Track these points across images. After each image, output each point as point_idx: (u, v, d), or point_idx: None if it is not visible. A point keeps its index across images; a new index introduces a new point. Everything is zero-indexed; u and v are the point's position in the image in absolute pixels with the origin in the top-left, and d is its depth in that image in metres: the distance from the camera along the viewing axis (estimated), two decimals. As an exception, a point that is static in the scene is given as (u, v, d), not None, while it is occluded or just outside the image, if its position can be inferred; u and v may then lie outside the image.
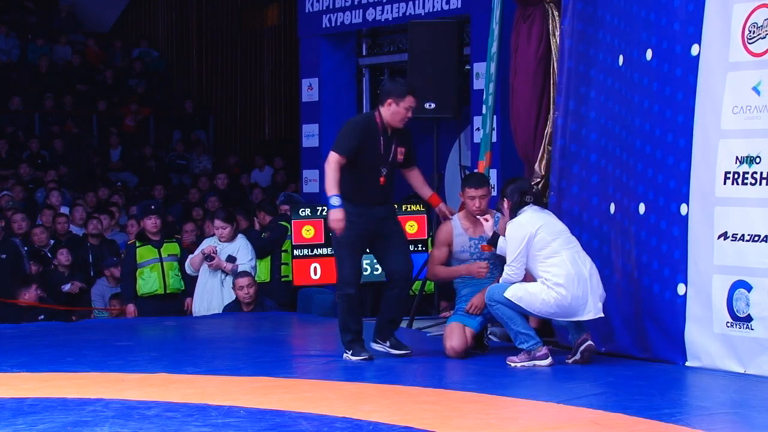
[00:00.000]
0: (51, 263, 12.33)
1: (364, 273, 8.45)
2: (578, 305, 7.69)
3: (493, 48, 9.66)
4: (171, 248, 11.21)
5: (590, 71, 8.54)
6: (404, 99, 7.92)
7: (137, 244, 11.18)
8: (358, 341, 8.02)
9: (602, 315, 7.78)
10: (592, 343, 7.79)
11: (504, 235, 7.98)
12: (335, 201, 7.78)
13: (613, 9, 8.38)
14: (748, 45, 7.32)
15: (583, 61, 8.60)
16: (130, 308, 11.11)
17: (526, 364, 7.70)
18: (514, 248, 7.73)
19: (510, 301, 7.72)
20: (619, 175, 8.20)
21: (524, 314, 7.83)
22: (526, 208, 7.86)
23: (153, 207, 11.60)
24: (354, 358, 7.95)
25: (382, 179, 7.96)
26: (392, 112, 7.94)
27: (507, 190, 7.97)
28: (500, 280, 7.91)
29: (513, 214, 7.86)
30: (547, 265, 7.70)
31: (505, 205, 7.93)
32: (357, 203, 7.93)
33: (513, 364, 7.73)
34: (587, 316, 7.72)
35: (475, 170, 9.63)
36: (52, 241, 12.71)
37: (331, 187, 7.82)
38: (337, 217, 7.80)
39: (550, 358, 7.72)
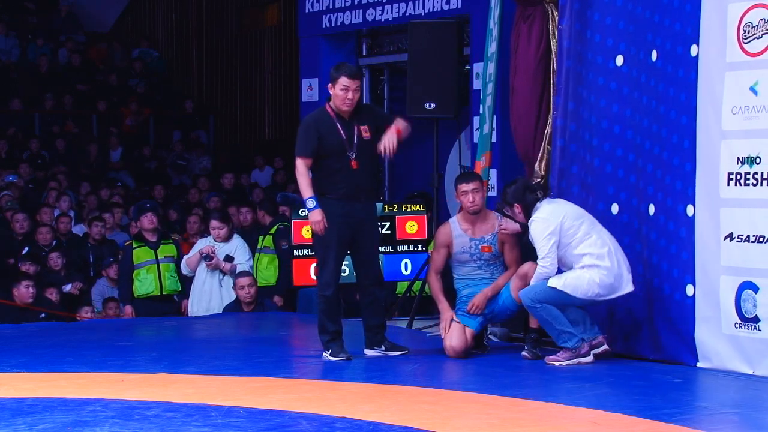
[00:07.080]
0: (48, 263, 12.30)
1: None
2: (619, 279, 7.73)
3: (491, 48, 9.66)
4: (167, 249, 11.18)
5: (585, 72, 8.55)
6: (338, 81, 7.94)
7: (134, 245, 11.17)
8: (336, 341, 8.04)
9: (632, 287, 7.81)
10: (608, 348, 7.81)
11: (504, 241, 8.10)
12: (311, 203, 7.86)
13: (606, 9, 8.40)
14: (743, 45, 7.32)
15: (580, 62, 8.61)
16: (128, 309, 11.09)
17: (570, 362, 7.70)
18: (545, 243, 7.71)
19: (554, 291, 7.65)
20: (624, 176, 8.20)
21: (559, 308, 7.75)
22: (540, 203, 7.86)
23: (148, 205, 11.61)
24: (332, 358, 7.98)
25: (353, 163, 7.94)
26: (333, 96, 8.00)
27: (509, 195, 7.90)
28: (533, 279, 7.83)
29: (528, 214, 7.83)
30: (584, 246, 7.71)
31: (517, 210, 7.88)
32: (338, 198, 7.94)
33: (557, 363, 7.70)
34: (627, 288, 7.77)
35: (473, 171, 9.62)
36: (54, 242, 12.70)
37: (304, 191, 7.90)
38: (316, 218, 7.86)
39: (592, 354, 7.74)
